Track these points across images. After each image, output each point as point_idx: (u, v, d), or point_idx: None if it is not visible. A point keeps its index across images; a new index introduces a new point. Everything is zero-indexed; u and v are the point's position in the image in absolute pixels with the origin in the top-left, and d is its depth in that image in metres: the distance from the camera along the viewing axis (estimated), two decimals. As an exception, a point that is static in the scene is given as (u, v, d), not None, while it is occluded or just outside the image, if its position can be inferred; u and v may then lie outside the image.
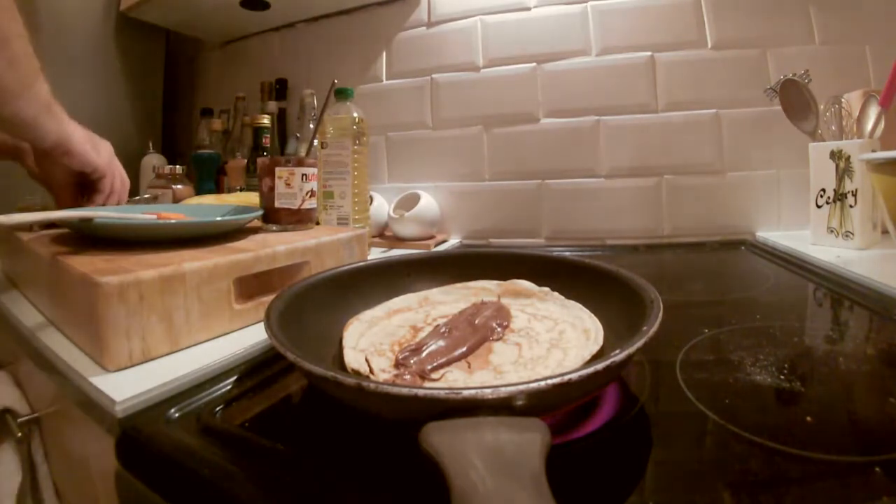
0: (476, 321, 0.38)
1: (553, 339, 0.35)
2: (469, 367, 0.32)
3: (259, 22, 1.15)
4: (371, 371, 0.32)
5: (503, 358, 0.33)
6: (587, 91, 0.93)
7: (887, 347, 0.39)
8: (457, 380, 0.30)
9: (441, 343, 0.35)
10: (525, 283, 0.45)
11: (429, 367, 0.31)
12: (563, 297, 0.43)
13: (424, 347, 0.34)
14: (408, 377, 0.30)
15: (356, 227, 0.70)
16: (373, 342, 0.36)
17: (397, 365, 0.32)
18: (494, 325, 0.37)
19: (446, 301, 0.45)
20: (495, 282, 0.46)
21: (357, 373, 0.32)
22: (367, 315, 0.41)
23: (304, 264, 0.50)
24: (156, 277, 0.36)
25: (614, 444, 0.27)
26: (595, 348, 0.33)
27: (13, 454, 0.53)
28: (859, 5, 0.82)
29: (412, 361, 0.32)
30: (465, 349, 0.34)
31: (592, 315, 0.38)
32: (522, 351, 0.34)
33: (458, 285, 0.47)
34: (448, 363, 0.32)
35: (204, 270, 0.40)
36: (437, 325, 0.38)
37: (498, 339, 0.36)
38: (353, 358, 0.34)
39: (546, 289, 0.44)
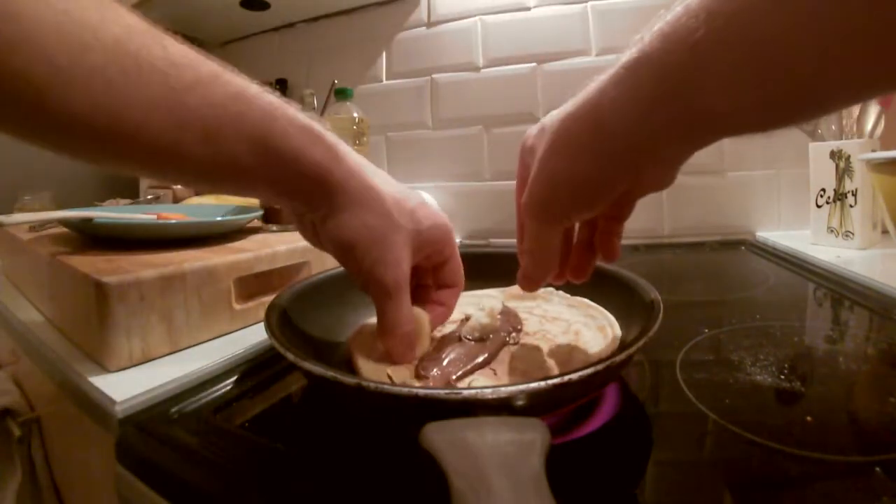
0: None
1: (571, 341, 0.35)
2: (495, 374, 0.31)
3: (259, 22, 1.15)
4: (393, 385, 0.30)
5: (527, 364, 0.32)
6: (587, 91, 0.93)
7: (887, 347, 0.39)
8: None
9: (460, 351, 0.33)
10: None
11: (454, 377, 0.30)
12: (568, 296, 0.42)
13: (444, 356, 0.32)
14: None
15: (356, 227, 0.70)
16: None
17: (418, 376, 0.31)
18: (509, 328, 0.36)
19: None
20: (498, 289, 0.45)
21: None
22: (373, 322, 0.40)
23: (305, 264, 0.50)
24: (156, 277, 0.36)
25: (614, 444, 0.27)
26: (614, 346, 0.32)
27: (13, 454, 0.53)
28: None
29: (434, 372, 0.31)
30: (486, 356, 0.32)
31: (603, 309, 0.38)
32: (544, 355, 0.33)
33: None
34: (472, 370, 0.31)
35: (204, 270, 0.40)
36: (452, 332, 0.36)
37: (514, 344, 0.35)
38: (372, 370, 0.32)
39: (550, 289, 0.43)
